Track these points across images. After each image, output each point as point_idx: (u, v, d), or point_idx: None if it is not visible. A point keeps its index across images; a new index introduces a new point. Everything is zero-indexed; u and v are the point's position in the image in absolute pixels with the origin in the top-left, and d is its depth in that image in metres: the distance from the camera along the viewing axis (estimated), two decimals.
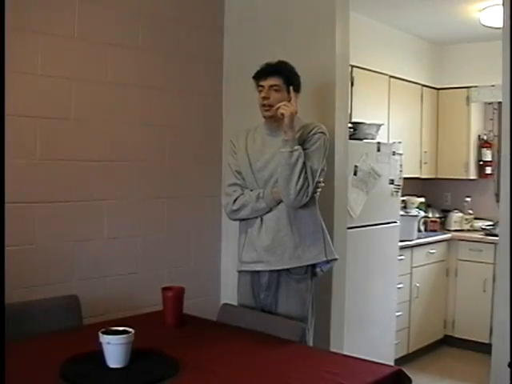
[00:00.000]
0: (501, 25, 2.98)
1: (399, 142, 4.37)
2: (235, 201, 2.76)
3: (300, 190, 2.59)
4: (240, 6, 3.68)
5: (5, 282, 2.03)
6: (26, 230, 2.87)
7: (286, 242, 2.69)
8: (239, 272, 2.88)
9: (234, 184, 2.82)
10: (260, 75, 2.74)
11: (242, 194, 2.77)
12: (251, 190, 2.76)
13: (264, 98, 2.71)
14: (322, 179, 2.76)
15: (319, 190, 2.77)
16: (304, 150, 2.64)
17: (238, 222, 2.88)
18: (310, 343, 2.68)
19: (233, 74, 3.73)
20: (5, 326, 1.90)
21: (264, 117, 2.77)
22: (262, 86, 2.73)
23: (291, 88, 2.67)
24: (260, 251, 2.73)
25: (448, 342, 5.13)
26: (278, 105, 2.64)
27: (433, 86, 5.44)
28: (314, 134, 2.71)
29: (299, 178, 2.59)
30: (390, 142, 4.56)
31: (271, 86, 2.69)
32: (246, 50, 3.64)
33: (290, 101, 2.64)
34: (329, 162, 3.23)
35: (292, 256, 2.69)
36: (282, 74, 2.70)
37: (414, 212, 5.07)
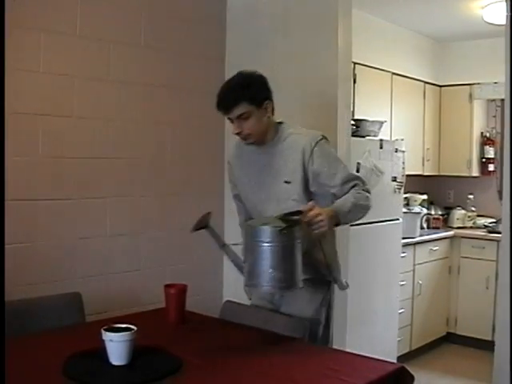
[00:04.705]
0: (503, 22, 2.97)
1: (402, 139, 4.37)
2: None
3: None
4: (242, 4, 3.67)
5: (7, 279, 2.03)
6: (29, 227, 2.88)
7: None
8: None
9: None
10: (221, 108, 2.35)
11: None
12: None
13: (238, 134, 2.40)
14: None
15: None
16: (318, 174, 2.37)
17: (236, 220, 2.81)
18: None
19: (235, 72, 3.72)
20: (5, 325, 1.90)
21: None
22: (229, 118, 2.38)
23: (265, 102, 2.37)
24: None
25: (450, 339, 5.12)
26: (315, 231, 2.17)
27: (435, 83, 5.43)
28: (312, 151, 2.36)
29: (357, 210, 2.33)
30: (393, 139, 4.56)
31: (239, 116, 2.34)
32: (248, 47, 3.64)
33: None
34: None
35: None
36: (245, 98, 2.32)
37: (417, 209, 5.08)
